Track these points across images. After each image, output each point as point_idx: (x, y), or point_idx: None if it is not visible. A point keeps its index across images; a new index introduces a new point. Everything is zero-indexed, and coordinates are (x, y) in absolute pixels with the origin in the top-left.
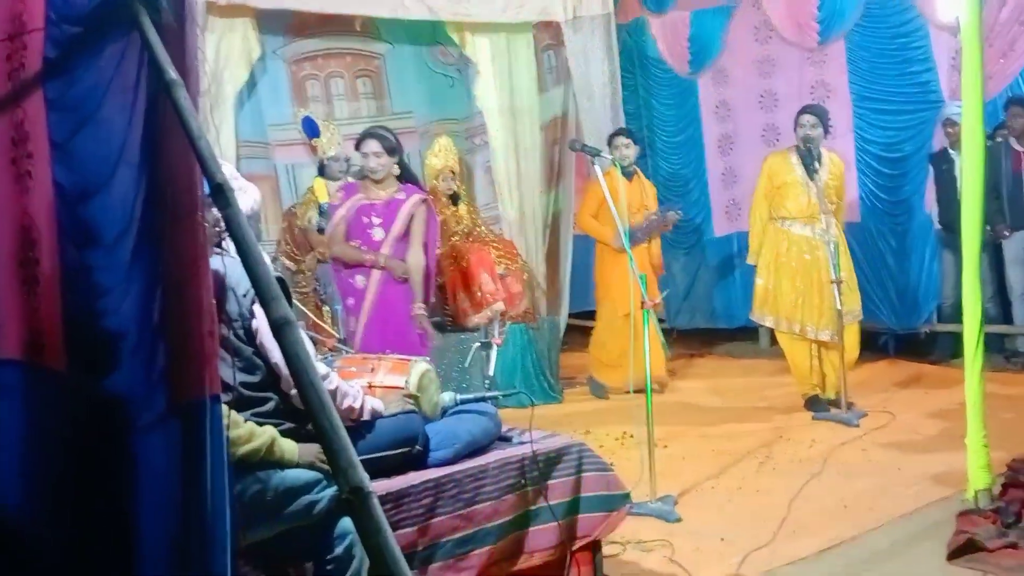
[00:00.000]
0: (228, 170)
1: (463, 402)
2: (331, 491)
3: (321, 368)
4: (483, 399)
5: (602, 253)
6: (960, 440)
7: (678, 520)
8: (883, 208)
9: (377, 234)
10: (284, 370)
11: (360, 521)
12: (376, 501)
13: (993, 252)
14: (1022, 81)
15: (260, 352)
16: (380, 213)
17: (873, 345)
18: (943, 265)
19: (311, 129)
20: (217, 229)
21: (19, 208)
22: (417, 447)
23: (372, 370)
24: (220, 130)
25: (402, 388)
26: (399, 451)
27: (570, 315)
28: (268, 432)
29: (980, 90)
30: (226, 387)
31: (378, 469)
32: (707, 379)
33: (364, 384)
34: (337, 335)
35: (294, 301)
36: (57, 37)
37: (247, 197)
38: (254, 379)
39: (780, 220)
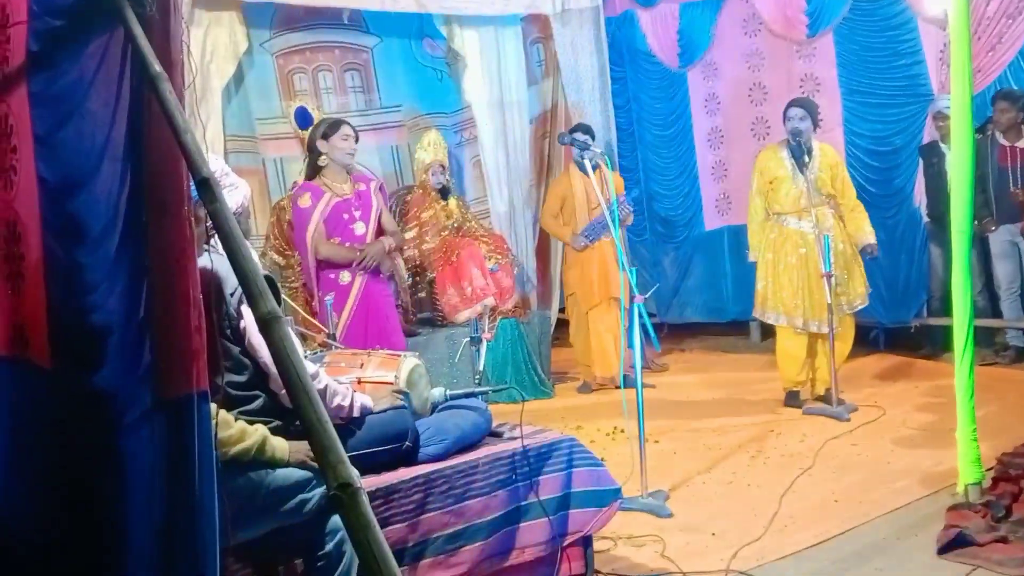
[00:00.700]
0: (220, 166)
1: (453, 397)
2: (321, 489)
3: (310, 367)
4: (473, 394)
5: (567, 251)
6: (950, 434)
7: (669, 515)
8: (873, 201)
9: (359, 228)
10: (272, 369)
11: (348, 517)
12: (365, 497)
13: (981, 246)
14: (1010, 74)
15: (248, 352)
16: (356, 207)
17: (863, 339)
18: (931, 258)
19: (304, 120)
20: (207, 225)
21: (3, 203)
22: (407, 443)
23: (361, 365)
24: (207, 124)
25: (391, 383)
26: (389, 447)
27: (560, 309)
28: (259, 432)
29: (969, 83)
30: (214, 387)
31: (368, 465)
32: (698, 373)
33: (353, 379)
34: (326, 330)
35: (283, 297)
36: (40, 30)
37: (238, 193)
38: (241, 378)
39: (776, 216)
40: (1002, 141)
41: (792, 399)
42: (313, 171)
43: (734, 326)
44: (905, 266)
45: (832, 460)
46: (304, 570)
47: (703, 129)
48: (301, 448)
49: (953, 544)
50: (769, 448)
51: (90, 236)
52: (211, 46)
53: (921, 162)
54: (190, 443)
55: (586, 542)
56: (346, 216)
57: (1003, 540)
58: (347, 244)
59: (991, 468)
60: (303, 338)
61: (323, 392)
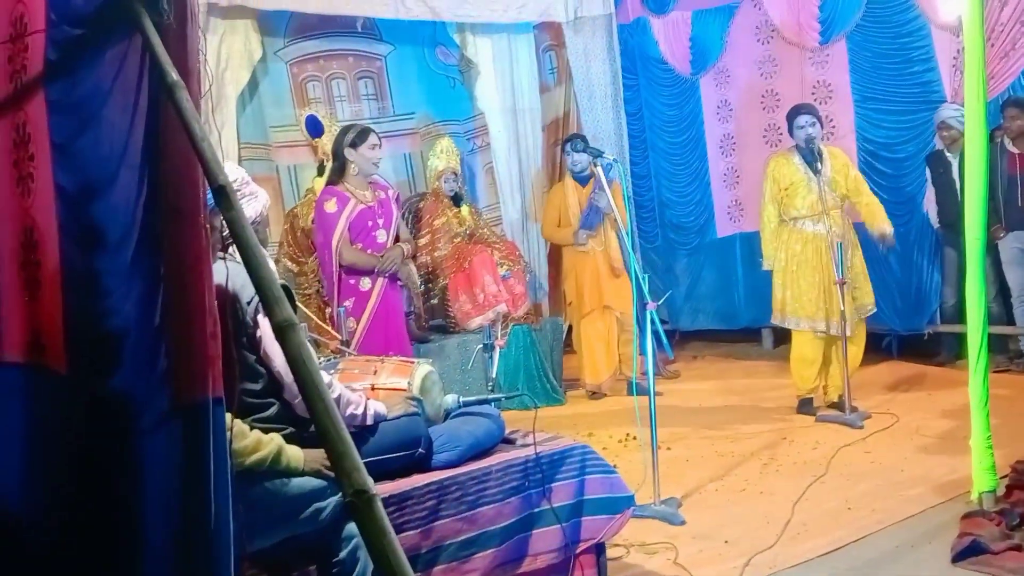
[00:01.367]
0: (240, 174)
1: (466, 404)
2: (337, 497)
3: (324, 377)
4: (486, 401)
5: (565, 258)
6: (964, 442)
7: (682, 523)
8: (886, 209)
9: (380, 236)
10: (286, 378)
11: (364, 524)
12: (380, 504)
13: (994, 253)
14: (1023, 81)
15: (263, 360)
16: (380, 215)
17: (876, 346)
18: (946, 263)
19: (314, 128)
20: (224, 233)
21: (21, 210)
22: (420, 450)
23: (375, 372)
24: (222, 131)
25: (405, 390)
26: (402, 454)
27: None
28: (275, 441)
29: (983, 90)
30: (230, 395)
31: (382, 472)
32: (710, 380)
33: (367, 385)
34: (340, 337)
35: (298, 304)
36: (59, 39)
37: (257, 203)
38: (256, 387)
39: (792, 221)
40: (1012, 149)
41: (805, 406)
42: (337, 176)
43: (746, 333)
44: (918, 273)
45: (845, 467)
46: None
47: (715, 136)
48: (317, 457)
49: (967, 552)
50: (782, 455)
51: (107, 243)
52: (226, 54)
53: (928, 171)
54: (205, 449)
55: (599, 549)
56: (370, 223)
57: (1017, 548)
58: (369, 251)
59: (1005, 476)
60: (316, 345)
61: (336, 401)
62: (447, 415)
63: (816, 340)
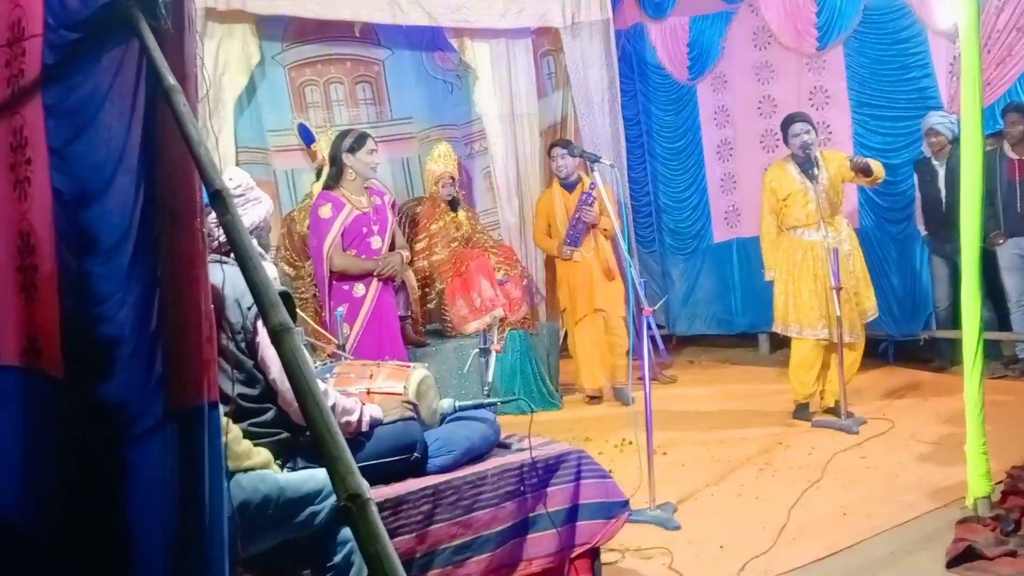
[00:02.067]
0: (244, 180)
1: (462, 408)
2: (332, 500)
3: (319, 385)
4: (482, 405)
5: (557, 265)
6: (959, 447)
7: (677, 527)
8: (882, 215)
9: (375, 243)
10: (281, 386)
11: (358, 528)
12: (374, 508)
13: (986, 259)
14: (1019, 87)
15: (260, 366)
16: (375, 221)
17: (872, 352)
18: (934, 271)
19: (307, 136)
20: (219, 240)
21: (18, 214)
22: (416, 454)
23: (371, 376)
24: (219, 136)
25: (400, 394)
26: (398, 458)
27: None
28: (264, 455)
29: (979, 96)
30: (225, 398)
31: (377, 476)
32: (706, 385)
33: (363, 389)
34: (336, 341)
35: (298, 312)
36: (56, 43)
37: (261, 207)
38: (253, 392)
39: (792, 230)
40: (1011, 154)
41: (801, 411)
42: (334, 181)
43: (743, 338)
44: (914, 279)
45: (841, 473)
46: None
47: (712, 141)
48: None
49: (962, 558)
50: (778, 460)
51: (103, 247)
52: (224, 58)
53: (916, 178)
54: (200, 453)
55: (594, 554)
56: (365, 229)
57: (1012, 554)
58: (362, 257)
59: (1000, 482)
60: (312, 349)
61: (332, 409)
62: (443, 419)
63: (816, 347)
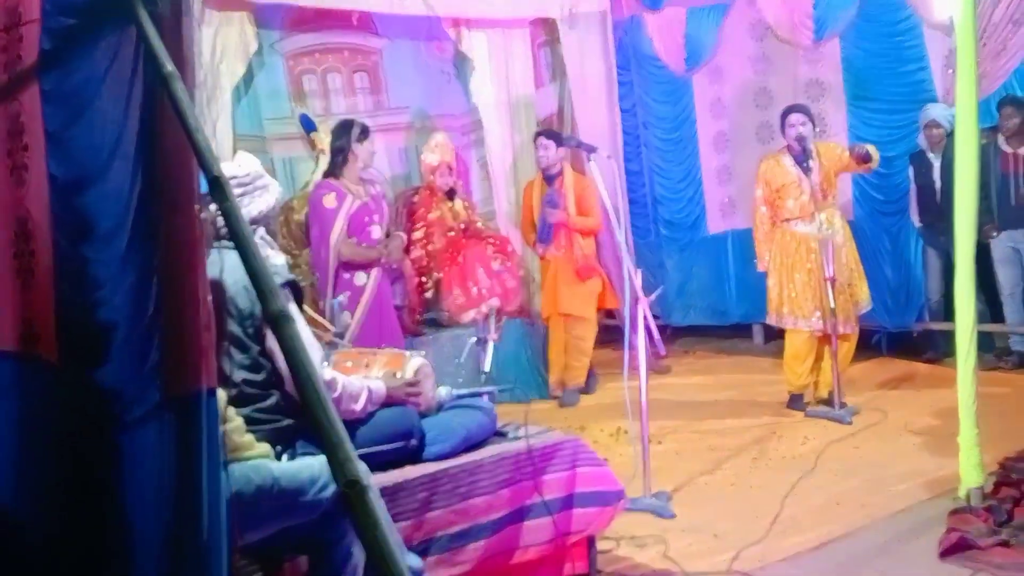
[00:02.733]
0: (254, 167)
1: (459, 397)
2: (331, 489)
3: (328, 373)
4: (479, 394)
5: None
6: (952, 438)
7: (672, 516)
8: (876, 207)
9: (375, 232)
10: (288, 373)
11: (357, 514)
12: (373, 495)
13: (979, 251)
14: (1015, 81)
15: (266, 352)
16: (375, 210)
17: (866, 343)
18: (927, 263)
19: (308, 125)
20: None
21: (14, 200)
22: (413, 441)
23: (367, 365)
24: (217, 124)
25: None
26: (395, 445)
27: None
28: (265, 448)
29: (975, 89)
30: (230, 383)
31: (374, 463)
32: (701, 375)
33: (360, 377)
34: (334, 329)
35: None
36: (53, 28)
37: (269, 195)
38: (258, 377)
39: (785, 222)
40: (1005, 148)
41: (795, 402)
42: (337, 170)
43: (737, 329)
44: (908, 271)
45: (834, 463)
46: (310, 567)
47: (708, 133)
48: None
49: (955, 548)
50: (771, 450)
51: (99, 233)
52: (221, 46)
53: (912, 170)
54: (198, 440)
55: (589, 542)
56: (367, 219)
57: (1005, 544)
58: (364, 245)
59: (993, 472)
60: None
61: (339, 399)
62: (440, 407)
63: (810, 338)
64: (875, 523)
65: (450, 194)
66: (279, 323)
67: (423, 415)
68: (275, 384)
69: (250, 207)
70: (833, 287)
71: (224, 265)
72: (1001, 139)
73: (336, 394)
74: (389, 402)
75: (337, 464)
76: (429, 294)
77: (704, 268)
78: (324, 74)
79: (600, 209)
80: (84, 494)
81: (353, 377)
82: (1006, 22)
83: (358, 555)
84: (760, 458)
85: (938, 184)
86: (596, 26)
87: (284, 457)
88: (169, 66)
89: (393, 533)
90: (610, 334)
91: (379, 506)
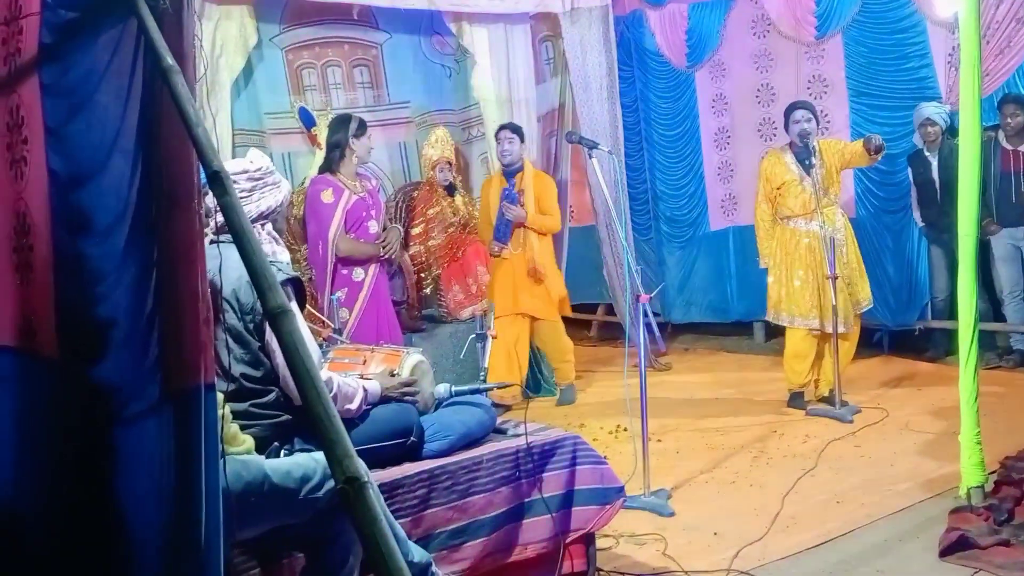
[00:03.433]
0: (264, 163)
1: (458, 394)
2: (328, 486)
3: (324, 374)
4: (478, 391)
5: (492, 259)
6: (953, 437)
7: (672, 514)
8: (878, 204)
9: (372, 227)
10: (284, 369)
11: (355, 511)
12: (372, 491)
13: (981, 250)
14: (1018, 79)
15: (266, 348)
16: (372, 205)
17: (867, 342)
18: (931, 261)
19: (308, 119)
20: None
21: (14, 194)
22: (412, 438)
23: (364, 362)
24: (216, 118)
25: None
26: (394, 442)
27: None
28: (249, 442)
29: (978, 87)
30: (229, 376)
31: (373, 460)
32: (702, 373)
33: (355, 376)
34: (332, 325)
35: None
36: (53, 22)
37: (279, 192)
38: (257, 373)
39: (786, 219)
40: (1006, 145)
41: (796, 400)
42: (335, 165)
43: (738, 326)
44: (909, 269)
45: (835, 461)
46: (308, 564)
47: (710, 129)
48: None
49: (955, 547)
50: (772, 448)
51: (99, 228)
52: (221, 40)
53: (911, 171)
54: (196, 435)
55: (588, 540)
56: (364, 214)
57: (1005, 544)
58: (362, 241)
59: (994, 472)
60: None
61: (334, 398)
62: (439, 404)
63: (810, 336)
64: (876, 522)
65: (450, 190)
66: (278, 319)
67: (422, 412)
68: (274, 380)
69: (259, 202)
70: (834, 285)
71: (226, 260)
72: (1002, 136)
73: (332, 394)
74: (386, 401)
75: (336, 461)
76: (428, 290)
77: (705, 265)
78: (324, 68)
79: (559, 208)
80: (82, 489)
81: (349, 377)
82: (1010, 20)
83: (356, 552)
84: (760, 456)
85: (937, 182)
86: (598, 21)
87: (282, 453)
88: (169, 60)
89: (396, 528)
90: (611, 331)
91: (378, 503)
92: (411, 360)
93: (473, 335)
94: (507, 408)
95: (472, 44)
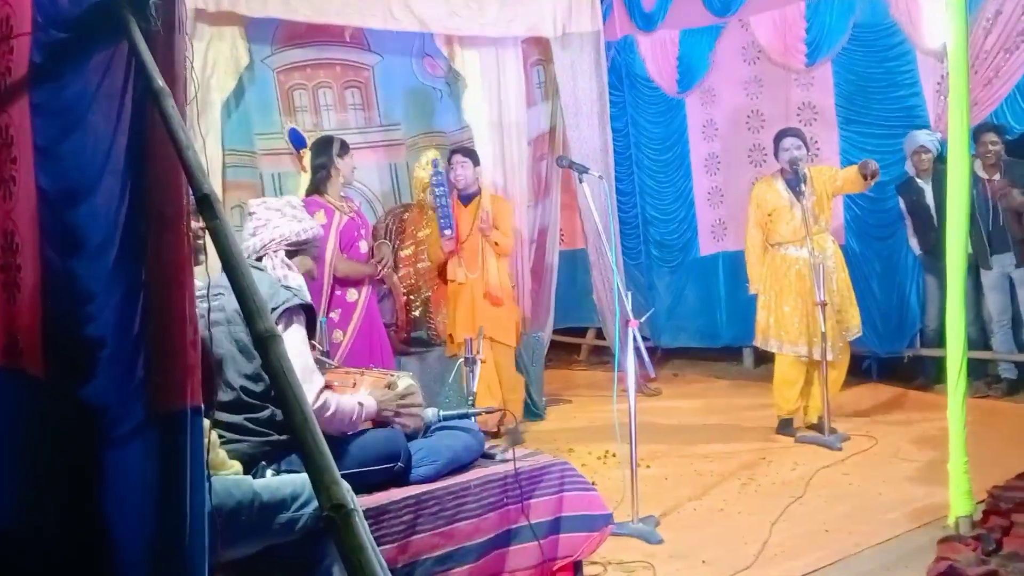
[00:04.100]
0: (294, 201)
1: (446, 418)
2: (312, 507)
3: (326, 395)
4: (466, 415)
5: (448, 287)
6: (942, 466)
7: (660, 541)
8: (868, 232)
9: (363, 247)
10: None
11: (342, 539)
12: (359, 519)
13: (974, 277)
14: (1006, 108)
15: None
16: (361, 225)
17: (856, 369)
18: (926, 289)
19: (297, 140)
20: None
21: (2, 213)
22: (399, 463)
23: (353, 385)
24: (206, 138)
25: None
26: (381, 467)
27: (555, 331)
28: (237, 467)
29: (967, 116)
30: (230, 387)
31: (360, 485)
32: (691, 399)
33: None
34: (321, 347)
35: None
36: (44, 42)
37: (297, 224)
38: (256, 388)
39: (777, 245)
40: (981, 174)
41: (785, 427)
42: (322, 187)
43: (727, 352)
44: (899, 296)
45: (823, 489)
46: None
47: (700, 155)
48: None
49: None
50: (760, 476)
51: (88, 248)
52: (212, 60)
53: (902, 201)
54: (182, 458)
55: (576, 567)
56: (355, 234)
57: (993, 574)
58: (361, 262)
59: (982, 501)
60: None
61: (332, 417)
62: (427, 429)
63: (799, 363)
64: (864, 551)
65: None
66: (266, 343)
67: (410, 437)
68: (272, 399)
69: (280, 227)
70: (823, 312)
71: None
72: (978, 165)
73: (330, 412)
74: (378, 419)
75: (322, 488)
76: (417, 312)
77: (695, 290)
78: (315, 89)
79: (515, 234)
80: (68, 509)
81: (344, 396)
82: (998, 49)
83: None
84: (749, 484)
85: (933, 208)
86: (589, 46)
87: (268, 472)
88: (160, 82)
89: (378, 556)
90: (600, 355)
91: (364, 530)
92: (401, 384)
93: (462, 358)
94: (494, 434)
95: (463, 67)
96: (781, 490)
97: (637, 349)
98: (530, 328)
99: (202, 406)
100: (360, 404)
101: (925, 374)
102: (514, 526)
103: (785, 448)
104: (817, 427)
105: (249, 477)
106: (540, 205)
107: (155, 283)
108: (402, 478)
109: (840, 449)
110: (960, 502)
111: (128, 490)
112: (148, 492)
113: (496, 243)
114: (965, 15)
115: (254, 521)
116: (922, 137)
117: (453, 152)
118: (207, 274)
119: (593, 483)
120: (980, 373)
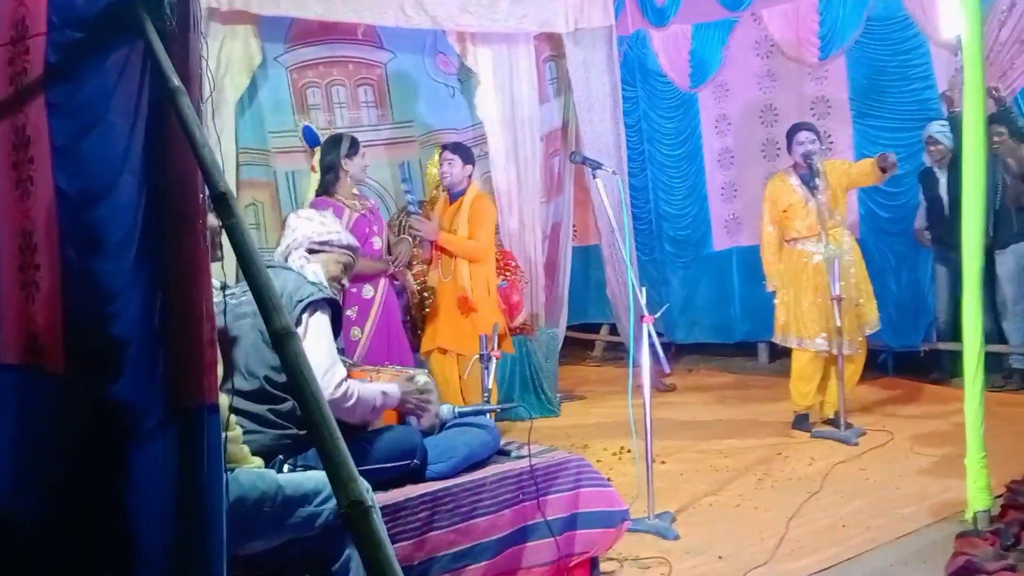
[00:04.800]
0: (328, 213)
1: (461, 415)
2: (332, 503)
3: (350, 383)
4: (482, 412)
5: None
6: (959, 460)
7: (676, 537)
8: (882, 226)
9: (376, 243)
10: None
11: (360, 535)
12: (376, 515)
13: (989, 268)
14: (1021, 100)
15: None
16: (374, 221)
17: (872, 363)
18: (937, 280)
19: (312, 138)
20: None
21: (20, 212)
22: (415, 460)
23: (370, 382)
24: (220, 136)
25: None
26: (397, 464)
27: (568, 327)
28: (258, 463)
29: (982, 108)
30: (255, 376)
31: (376, 482)
32: (705, 394)
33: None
34: (338, 345)
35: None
36: (60, 42)
37: (322, 227)
38: (280, 379)
39: (792, 241)
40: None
41: (801, 422)
42: (332, 187)
43: (742, 347)
44: (914, 290)
45: (840, 484)
46: None
47: (713, 150)
48: None
49: (962, 572)
50: (776, 471)
51: (108, 246)
52: (226, 59)
53: (921, 188)
54: (200, 455)
55: (592, 563)
56: (368, 231)
57: (1012, 569)
58: (368, 257)
59: (1000, 495)
60: None
61: (354, 407)
62: (442, 426)
63: (816, 358)
64: (881, 546)
65: None
66: (283, 341)
67: (426, 434)
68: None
69: (301, 227)
70: (839, 306)
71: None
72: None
73: (351, 402)
74: (401, 410)
75: (340, 484)
76: (430, 309)
77: (709, 285)
78: (328, 87)
79: (492, 237)
80: (88, 506)
81: (366, 384)
82: (1013, 41)
83: (359, 573)
84: (765, 479)
85: (945, 199)
86: (601, 41)
87: (286, 467)
88: (176, 81)
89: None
90: (614, 351)
91: (381, 526)
92: (420, 381)
93: (476, 355)
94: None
95: (476, 64)
96: (797, 485)
97: (652, 345)
98: (544, 324)
99: (218, 404)
100: (384, 393)
101: (941, 368)
102: (530, 522)
103: (801, 443)
104: (833, 422)
105: (272, 471)
106: (553, 201)
107: (173, 280)
108: (418, 475)
109: (856, 444)
110: (978, 497)
111: (149, 485)
112: (167, 488)
113: (443, 249)
114: (979, 7)
115: (276, 514)
116: (933, 128)
117: (443, 148)
118: (223, 272)
119: (609, 479)
120: (997, 366)
